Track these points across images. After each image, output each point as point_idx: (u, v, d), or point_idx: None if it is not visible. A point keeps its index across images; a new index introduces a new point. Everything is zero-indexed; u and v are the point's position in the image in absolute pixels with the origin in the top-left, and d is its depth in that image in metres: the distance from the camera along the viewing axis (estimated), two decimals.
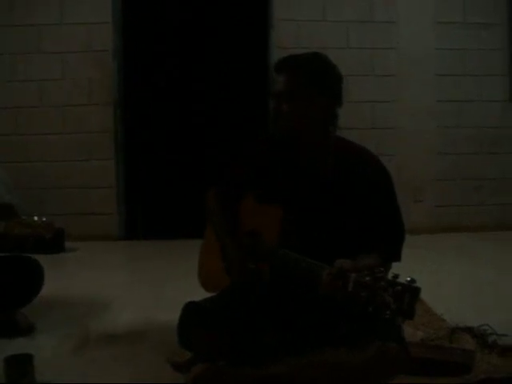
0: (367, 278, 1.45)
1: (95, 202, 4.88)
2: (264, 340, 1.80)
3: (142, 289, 3.40)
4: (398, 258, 1.79)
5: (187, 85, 4.96)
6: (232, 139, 4.74)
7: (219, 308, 1.86)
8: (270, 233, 1.84)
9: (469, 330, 2.32)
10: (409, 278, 1.42)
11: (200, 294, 1.97)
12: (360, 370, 1.64)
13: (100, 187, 4.87)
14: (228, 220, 1.97)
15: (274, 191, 1.89)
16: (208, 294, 1.98)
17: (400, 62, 5.00)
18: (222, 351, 1.78)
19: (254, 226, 1.90)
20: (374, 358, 1.63)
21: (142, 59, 4.93)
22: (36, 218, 4.55)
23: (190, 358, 1.94)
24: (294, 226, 1.82)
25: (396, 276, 1.44)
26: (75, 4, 4.77)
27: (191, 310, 1.89)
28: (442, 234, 4.88)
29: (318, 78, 1.77)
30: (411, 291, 1.40)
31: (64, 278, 3.59)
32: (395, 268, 1.73)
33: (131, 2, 4.91)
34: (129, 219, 5.02)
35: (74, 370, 2.13)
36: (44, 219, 4.47)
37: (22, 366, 1.89)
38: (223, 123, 4.97)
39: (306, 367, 1.69)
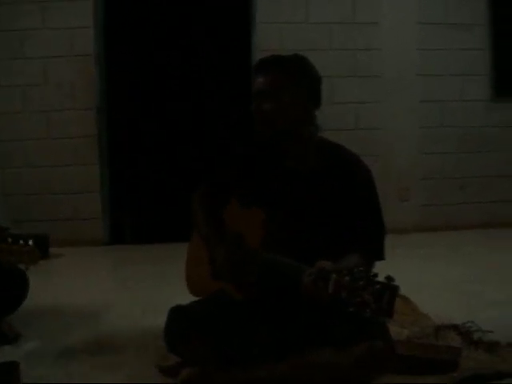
0: (346, 278, 1.46)
1: (80, 207, 4.85)
2: (252, 343, 1.79)
3: (129, 294, 3.38)
4: (381, 257, 1.80)
5: (170, 89, 4.95)
6: (216, 142, 4.74)
7: (207, 312, 1.85)
8: (253, 237, 1.84)
9: (454, 327, 2.33)
10: (387, 276, 1.42)
11: (187, 298, 1.96)
12: (348, 369, 1.65)
13: (85, 192, 4.84)
14: (215, 223, 1.96)
15: (255, 195, 1.89)
16: (195, 298, 1.98)
17: (383, 63, 5.02)
18: (210, 355, 1.78)
19: (238, 230, 1.89)
20: (362, 358, 1.63)
21: (125, 64, 4.91)
22: (21, 242, 4.29)
23: (178, 362, 1.93)
24: (277, 229, 1.82)
25: (375, 275, 1.45)
26: (57, 8, 4.74)
27: (178, 314, 1.88)
28: (429, 233, 4.91)
29: (298, 78, 1.79)
30: (390, 290, 1.40)
31: (50, 285, 3.57)
32: (382, 267, 1.74)
33: (114, 6, 4.89)
34: (114, 224, 4.99)
35: (60, 379, 2.11)
36: (30, 243, 4.21)
37: (7, 374, 1.87)
38: (207, 126, 4.96)
39: (295, 369, 1.69)
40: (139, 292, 3.38)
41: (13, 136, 4.79)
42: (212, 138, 4.88)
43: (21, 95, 4.77)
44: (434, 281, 3.40)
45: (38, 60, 4.75)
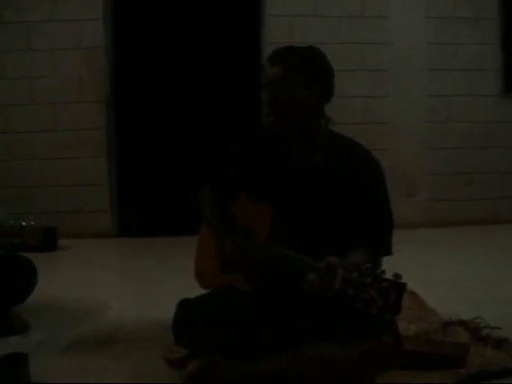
0: (354, 274, 1.45)
1: (88, 199, 4.86)
2: (259, 336, 1.80)
3: (136, 286, 3.39)
4: (389, 252, 1.79)
5: (179, 81, 4.94)
6: (224, 136, 4.73)
7: (214, 305, 1.85)
8: (260, 231, 1.84)
9: (462, 323, 2.33)
10: (394, 274, 1.41)
11: (195, 291, 1.97)
12: (355, 364, 1.64)
13: (92, 184, 4.85)
14: (223, 217, 1.97)
15: (263, 189, 1.89)
16: (203, 291, 1.98)
17: (391, 57, 5.00)
18: (218, 347, 1.78)
19: (246, 224, 1.89)
20: (369, 353, 1.63)
21: (134, 56, 4.90)
22: (24, 223, 4.17)
23: (185, 355, 1.94)
24: (284, 224, 1.82)
25: (383, 272, 1.44)
26: (66, 0, 4.74)
27: (186, 307, 1.88)
28: (435, 229, 4.90)
29: (312, 70, 1.78)
30: (397, 287, 1.39)
31: (58, 277, 3.58)
32: (389, 263, 1.74)
33: None
34: (121, 216, 5.00)
35: (69, 370, 2.12)
36: (32, 222, 4.12)
37: (16, 365, 1.88)
38: (215, 120, 4.96)
39: (301, 363, 1.69)
40: (147, 284, 3.39)
41: (20, 128, 4.80)
42: (220, 132, 4.87)
43: (29, 87, 4.78)
44: (440, 276, 3.40)
45: (46, 52, 4.75)
